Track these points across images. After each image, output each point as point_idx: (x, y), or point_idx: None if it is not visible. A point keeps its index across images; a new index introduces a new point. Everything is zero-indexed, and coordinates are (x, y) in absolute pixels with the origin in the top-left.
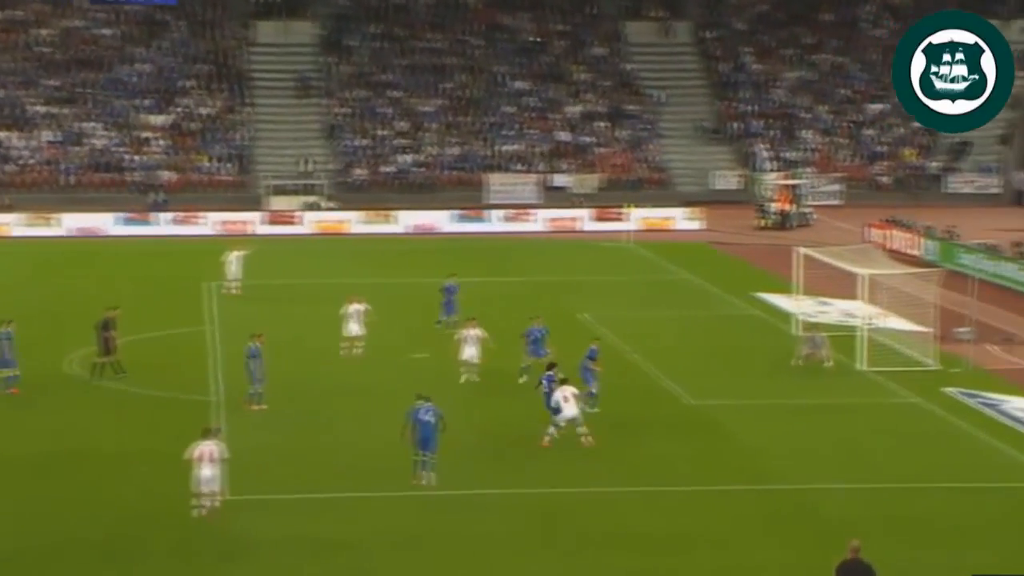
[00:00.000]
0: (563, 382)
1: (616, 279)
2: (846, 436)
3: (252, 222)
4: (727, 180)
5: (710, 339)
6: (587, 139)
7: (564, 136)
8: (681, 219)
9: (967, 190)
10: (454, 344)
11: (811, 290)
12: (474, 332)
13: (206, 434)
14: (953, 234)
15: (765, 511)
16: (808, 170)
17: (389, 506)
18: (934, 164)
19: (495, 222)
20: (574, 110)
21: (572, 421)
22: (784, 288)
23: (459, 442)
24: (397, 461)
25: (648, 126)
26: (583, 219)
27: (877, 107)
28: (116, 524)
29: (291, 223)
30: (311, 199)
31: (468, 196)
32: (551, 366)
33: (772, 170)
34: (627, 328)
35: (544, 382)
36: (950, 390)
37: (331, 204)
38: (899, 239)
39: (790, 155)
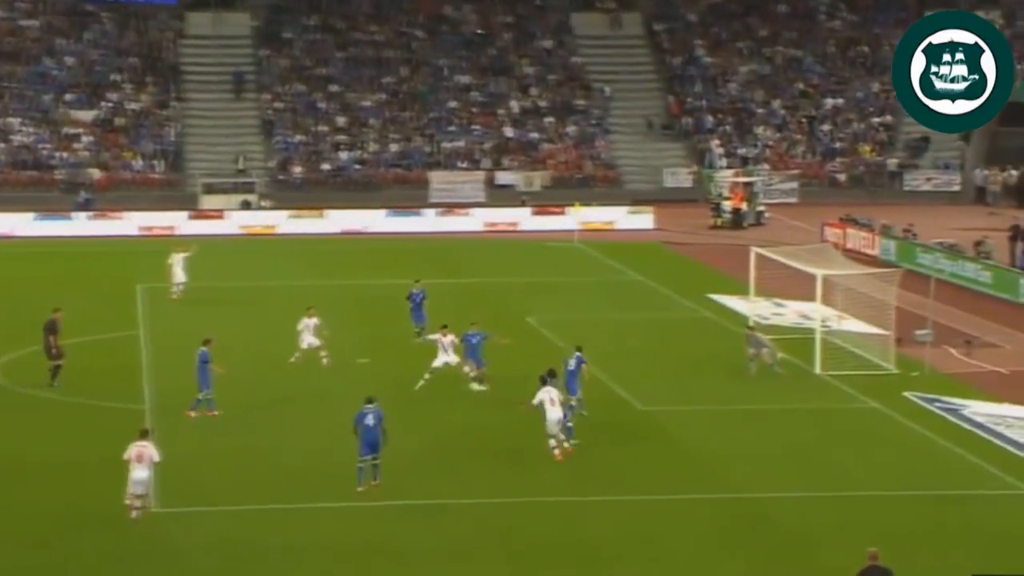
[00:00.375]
0: (543, 381)
1: (563, 280)
2: (802, 443)
3: (180, 221)
4: (679, 178)
5: (662, 342)
6: (534, 135)
7: (510, 132)
8: (631, 218)
9: (926, 187)
10: (428, 352)
11: (766, 291)
12: (448, 339)
13: (143, 435)
14: (912, 233)
15: (718, 521)
16: (762, 167)
17: (337, 516)
18: (892, 161)
19: (436, 221)
20: (520, 105)
21: (556, 425)
22: (738, 289)
23: (408, 450)
24: (345, 469)
25: (597, 121)
26: (528, 218)
27: (833, 102)
28: (43, 537)
29: (222, 222)
30: (245, 198)
31: (410, 195)
32: (552, 374)
33: (726, 167)
34: (574, 331)
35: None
36: (909, 394)
37: (266, 203)
38: (856, 238)
39: (744, 151)
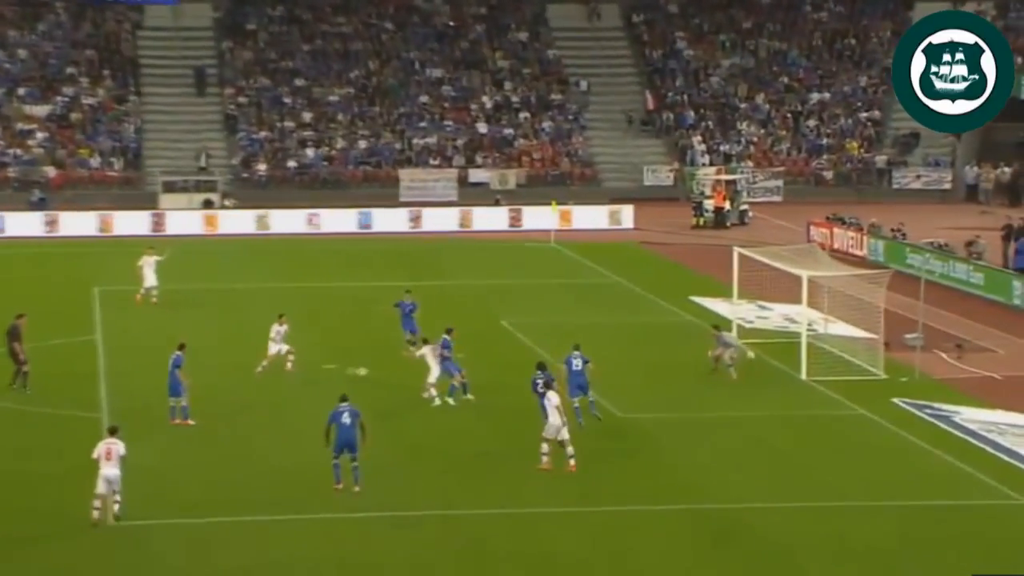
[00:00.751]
0: (548, 386)
1: (539, 282)
2: (787, 451)
3: (139, 221)
4: (659, 175)
5: (641, 347)
6: (508, 131)
7: (483, 128)
8: (610, 217)
9: (916, 185)
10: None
11: (750, 293)
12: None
13: (112, 432)
14: (901, 233)
15: (699, 532)
16: (746, 164)
17: (309, 530)
18: (880, 158)
19: (406, 220)
20: (494, 100)
21: (560, 432)
22: (721, 292)
23: (382, 459)
24: (317, 480)
25: (574, 117)
26: (503, 217)
27: (819, 96)
28: None
29: (184, 222)
30: (207, 197)
31: (379, 193)
32: (542, 366)
33: (707, 164)
34: (550, 336)
35: (539, 384)
36: (898, 401)
37: (229, 202)
38: (843, 238)
39: (727, 148)
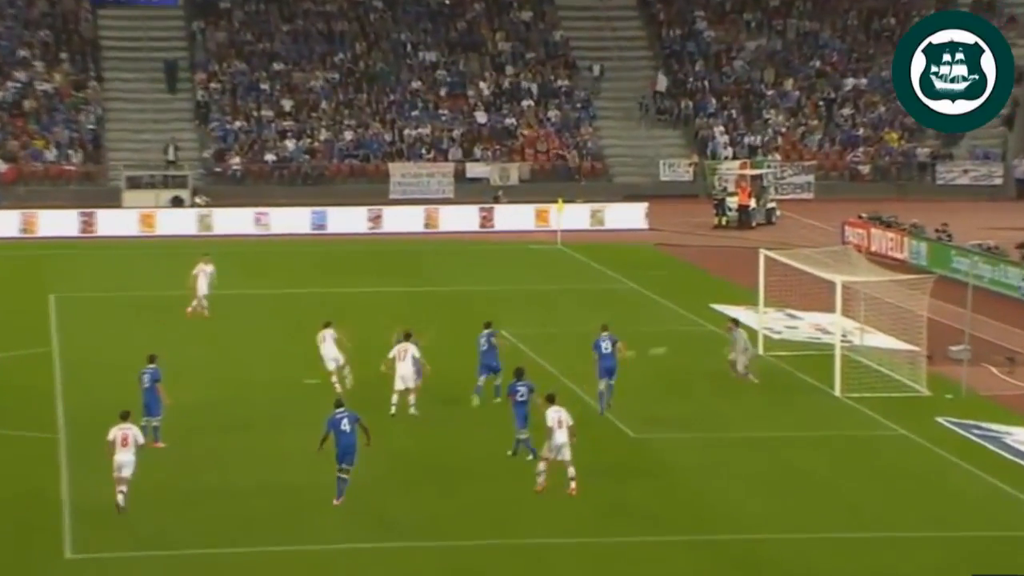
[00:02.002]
0: (551, 400)
1: (544, 288)
2: (818, 476)
3: (100, 220)
4: (677, 170)
5: (657, 360)
6: (510, 121)
7: (482, 118)
8: (623, 216)
9: (962, 181)
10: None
11: (777, 301)
12: (407, 346)
13: (124, 417)
14: (945, 233)
15: (719, 565)
16: (773, 158)
17: (287, 563)
18: (923, 150)
19: (397, 220)
20: (494, 87)
21: (560, 452)
22: (745, 299)
23: (369, 479)
24: (298, 507)
25: (583, 105)
26: (504, 216)
27: (855, 82)
28: None
29: (150, 222)
30: (176, 194)
31: (367, 190)
32: (519, 373)
33: (731, 158)
34: (556, 348)
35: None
36: (943, 420)
37: (200, 199)
38: (881, 239)
39: (752, 140)
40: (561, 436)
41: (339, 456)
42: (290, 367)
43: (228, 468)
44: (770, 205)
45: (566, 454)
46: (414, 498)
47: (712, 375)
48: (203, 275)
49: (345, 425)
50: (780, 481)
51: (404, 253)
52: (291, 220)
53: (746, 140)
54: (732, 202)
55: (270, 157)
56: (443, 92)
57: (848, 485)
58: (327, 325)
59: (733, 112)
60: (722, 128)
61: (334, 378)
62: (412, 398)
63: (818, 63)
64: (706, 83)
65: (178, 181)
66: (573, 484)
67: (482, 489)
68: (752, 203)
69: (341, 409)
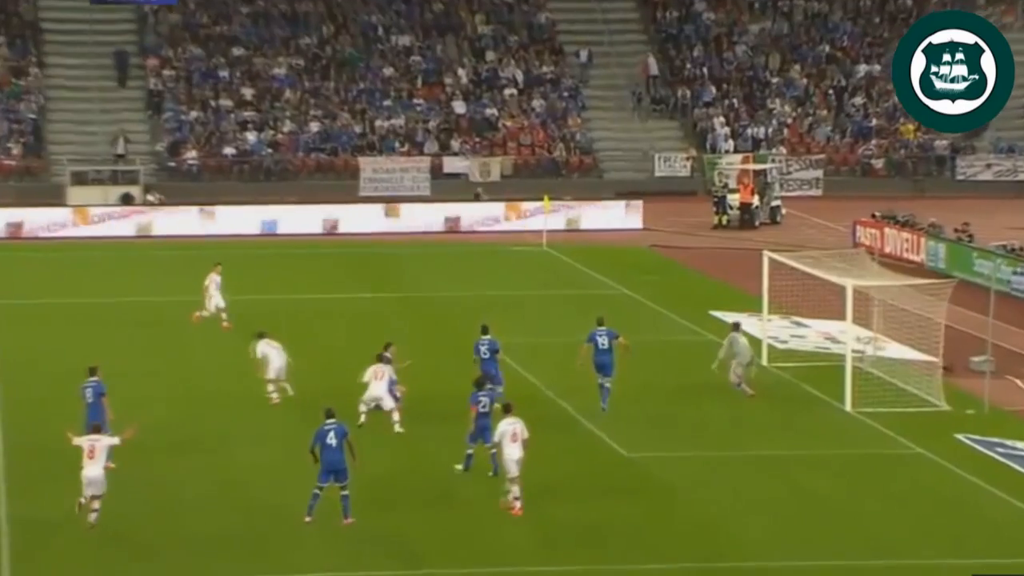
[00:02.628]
0: (507, 410)
1: (527, 294)
2: (829, 498)
3: (38, 219)
4: (673, 165)
5: (652, 372)
6: (490, 112)
7: (460, 107)
8: (614, 215)
9: (984, 176)
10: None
11: (783, 307)
12: (383, 368)
13: (96, 429)
14: (966, 234)
15: None
16: (778, 151)
17: None
18: (941, 143)
19: (367, 219)
20: (473, 73)
21: (517, 466)
22: (748, 305)
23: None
24: (258, 533)
25: (570, 94)
26: (484, 215)
27: (867, 68)
28: None
29: (97, 221)
30: (127, 191)
31: (335, 186)
32: (479, 383)
33: (732, 151)
34: (542, 359)
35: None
36: (964, 437)
37: (153, 197)
38: (896, 240)
39: (754, 131)
40: (516, 450)
41: (323, 473)
42: (246, 379)
43: (185, 488)
44: (775, 203)
45: (516, 469)
46: (391, 521)
47: (712, 389)
48: (214, 285)
49: (331, 439)
50: (786, 503)
51: (372, 256)
52: (245, 218)
53: (749, 132)
54: (733, 200)
55: (229, 151)
56: (418, 80)
57: (860, 508)
58: (261, 336)
59: (735, 101)
60: (723, 119)
61: (272, 375)
62: (396, 416)
63: (827, 48)
64: (705, 70)
65: (128, 177)
66: (518, 504)
67: (462, 512)
68: (755, 201)
69: (331, 420)
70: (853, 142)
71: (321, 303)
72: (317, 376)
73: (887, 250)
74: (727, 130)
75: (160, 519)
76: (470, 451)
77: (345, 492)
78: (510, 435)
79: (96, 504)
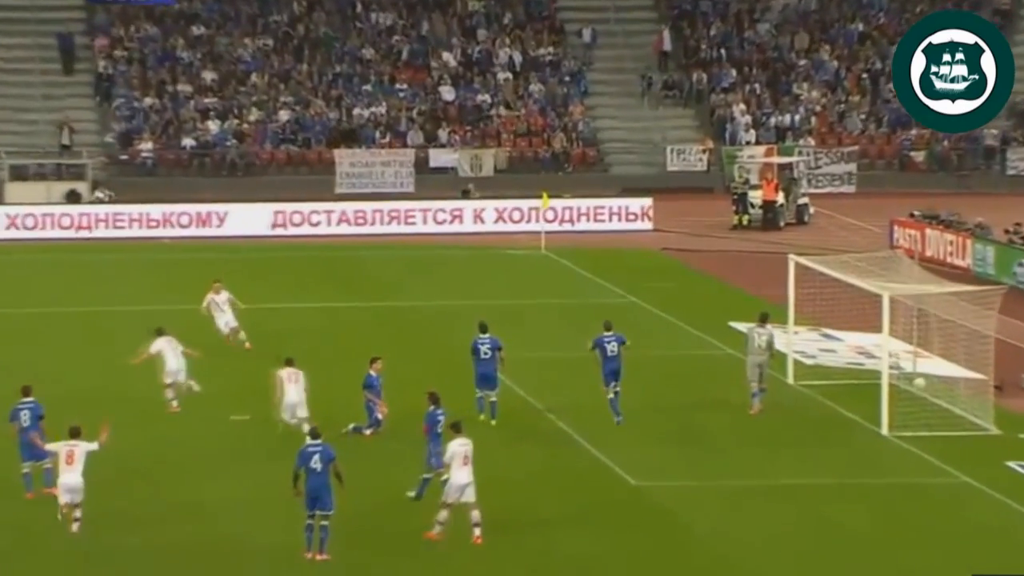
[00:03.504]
0: (456, 430)
1: (523, 303)
2: (862, 534)
3: None
4: (687, 157)
5: (663, 391)
6: (482, 98)
7: (448, 94)
8: (621, 214)
9: None
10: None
11: (811, 317)
12: (293, 371)
13: (75, 434)
14: (1018, 235)
15: None
16: (805, 142)
17: None
18: (991, 132)
19: (347, 220)
20: (463, 55)
21: (464, 492)
22: (772, 316)
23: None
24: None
25: (572, 78)
26: (476, 214)
27: None
28: None
29: (37, 224)
30: (73, 187)
31: (308, 181)
32: (435, 399)
33: (753, 143)
34: (540, 376)
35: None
36: (1016, 465)
37: (102, 194)
38: (938, 242)
39: (779, 120)
40: (466, 475)
41: (309, 501)
42: (209, 400)
43: (147, 524)
44: (802, 201)
45: (470, 495)
46: (366, 558)
47: (730, 409)
48: (214, 305)
49: (316, 463)
50: (813, 540)
51: (349, 260)
52: (251, 218)
53: (773, 121)
54: (755, 197)
55: (188, 142)
56: (401, 63)
57: (897, 545)
58: (160, 333)
59: (757, 86)
60: (743, 106)
61: (168, 379)
62: (306, 427)
63: (861, 26)
64: (724, 51)
65: (74, 171)
66: (478, 531)
67: (445, 547)
68: (780, 199)
69: (316, 442)
70: (890, 132)
71: (287, 313)
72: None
73: (928, 253)
74: (748, 119)
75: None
76: (428, 476)
77: (326, 523)
78: (461, 457)
79: (77, 512)
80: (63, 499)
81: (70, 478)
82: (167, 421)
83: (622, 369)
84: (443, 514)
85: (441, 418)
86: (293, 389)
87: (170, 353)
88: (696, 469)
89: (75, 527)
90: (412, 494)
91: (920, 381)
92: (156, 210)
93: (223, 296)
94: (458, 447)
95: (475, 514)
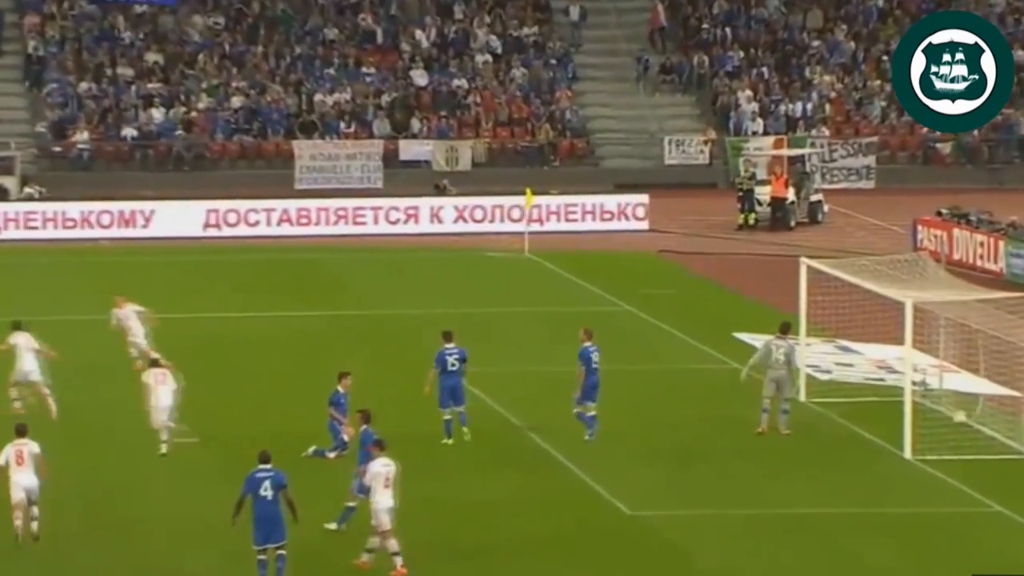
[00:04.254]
0: (380, 447)
1: (504, 311)
2: (882, 567)
3: None
4: (687, 150)
5: (661, 409)
6: (458, 83)
7: (421, 78)
8: (613, 212)
9: None
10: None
11: (825, 328)
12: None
13: (21, 432)
14: None
15: None
16: (819, 132)
17: None
18: None
19: (303, 217)
20: (436, 36)
21: (387, 515)
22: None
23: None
24: None
25: (558, 62)
26: (452, 213)
27: None
28: None
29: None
30: (0, 182)
31: (264, 176)
32: (366, 416)
33: (760, 133)
34: (523, 392)
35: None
36: None
37: (32, 189)
38: (967, 244)
39: (789, 108)
40: (387, 499)
41: (259, 534)
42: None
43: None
44: (815, 197)
45: (389, 522)
46: None
47: (737, 428)
48: (125, 320)
49: (266, 489)
50: (828, 574)
51: (311, 263)
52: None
53: (782, 109)
54: (763, 194)
55: (130, 132)
56: (368, 45)
57: None
58: (17, 327)
59: (765, 70)
60: (749, 93)
61: (14, 392)
62: (165, 436)
63: (881, 2)
64: (728, 31)
65: (2, 165)
66: (399, 560)
67: None
68: (790, 195)
69: (266, 467)
70: (913, 121)
71: (242, 323)
72: (242, 416)
73: (956, 256)
74: (755, 106)
75: None
76: (352, 504)
77: (282, 552)
78: (383, 479)
79: (35, 511)
80: (17, 496)
81: (24, 478)
82: (105, 439)
83: (599, 382)
84: (392, 543)
85: (375, 438)
86: (163, 391)
87: (25, 351)
88: (698, 496)
89: (34, 527)
90: (333, 525)
91: (961, 416)
92: (74, 208)
93: (126, 309)
94: (380, 467)
95: (393, 543)
